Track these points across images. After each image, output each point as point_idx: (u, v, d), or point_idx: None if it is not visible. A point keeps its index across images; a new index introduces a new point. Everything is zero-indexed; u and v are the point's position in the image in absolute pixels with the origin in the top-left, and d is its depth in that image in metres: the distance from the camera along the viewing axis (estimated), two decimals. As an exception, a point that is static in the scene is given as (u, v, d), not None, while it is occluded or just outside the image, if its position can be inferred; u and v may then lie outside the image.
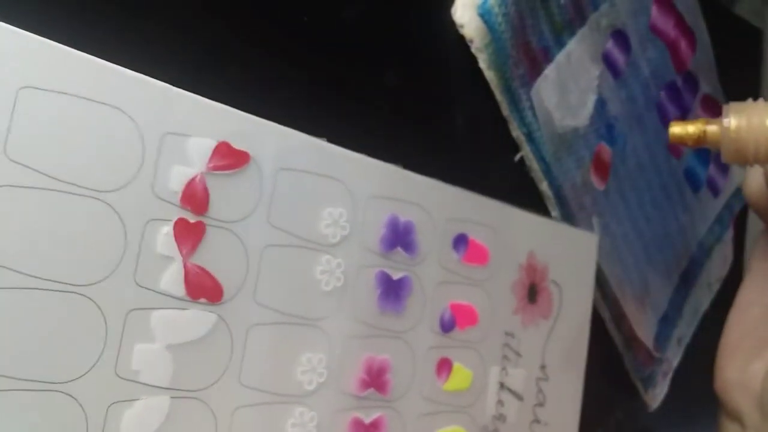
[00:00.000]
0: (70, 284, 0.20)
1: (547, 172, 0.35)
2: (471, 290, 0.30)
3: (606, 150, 0.38)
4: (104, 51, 0.21)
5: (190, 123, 0.22)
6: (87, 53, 0.20)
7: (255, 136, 0.24)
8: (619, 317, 0.39)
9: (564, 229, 0.35)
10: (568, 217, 0.36)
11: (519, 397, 0.32)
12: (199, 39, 0.24)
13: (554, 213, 0.35)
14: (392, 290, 0.28)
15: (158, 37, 0.23)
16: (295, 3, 0.27)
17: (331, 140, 0.26)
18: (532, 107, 0.34)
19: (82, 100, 0.20)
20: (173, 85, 0.22)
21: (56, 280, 0.20)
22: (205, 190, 0.23)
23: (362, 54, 0.29)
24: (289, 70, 0.27)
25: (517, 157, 0.34)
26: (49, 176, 0.20)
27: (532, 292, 0.33)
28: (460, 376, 0.30)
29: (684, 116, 0.44)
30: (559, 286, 0.34)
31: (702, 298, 0.47)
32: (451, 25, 0.31)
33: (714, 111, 0.46)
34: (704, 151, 0.46)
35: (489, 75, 0.32)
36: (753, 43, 0.54)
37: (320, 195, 0.26)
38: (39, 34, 0.20)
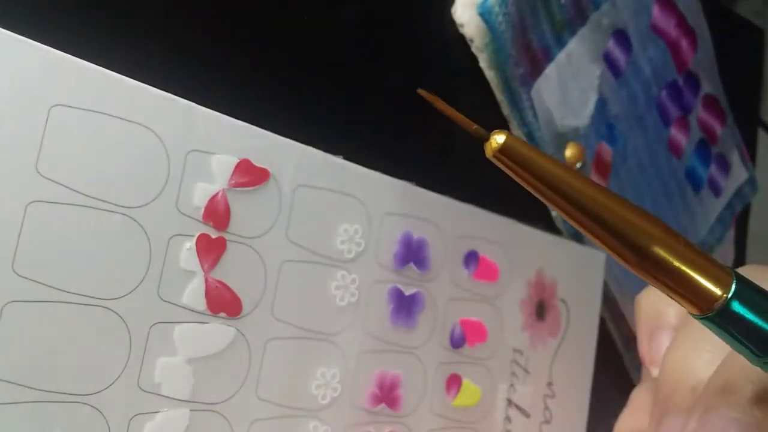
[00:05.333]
0: (96, 298, 0.20)
1: (548, 171, 0.35)
2: (481, 307, 0.31)
3: (607, 150, 0.38)
4: (130, 70, 0.21)
5: (212, 140, 0.23)
6: (115, 72, 0.21)
7: (274, 153, 0.24)
8: (619, 317, 0.39)
9: (572, 246, 0.35)
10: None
11: (526, 414, 0.33)
12: (218, 58, 0.25)
13: (554, 213, 0.36)
14: (404, 306, 0.28)
15: (181, 56, 0.24)
16: (294, 3, 0.27)
17: (327, 139, 0.26)
18: (532, 107, 0.34)
19: (111, 118, 0.21)
20: (195, 103, 0.22)
21: (83, 293, 0.20)
22: (227, 206, 0.23)
23: (362, 54, 0.30)
24: (288, 73, 0.27)
25: None
26: (79, 192, 0.20)
27: (541, 310, 0.33)
28: (469, 392, 0.30)
29: (685, 116, 0.44)
30: (566, 304, 0.34)
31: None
32: (452, 24, 0.31)
33: (715, 110, 0.47)
34: (705, 151, 0.46)
35: (489, 74, 0.32)
36: (754, 42, 0.54)
37: (337, 211, 0.26)
38: (70, 53, 0.20)
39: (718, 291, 0.16)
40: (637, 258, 0.16)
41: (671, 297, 0.17)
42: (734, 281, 0.16)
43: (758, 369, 0.18)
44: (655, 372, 0.25)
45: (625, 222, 0.17)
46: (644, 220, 0.17)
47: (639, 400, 0.27)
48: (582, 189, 0.17)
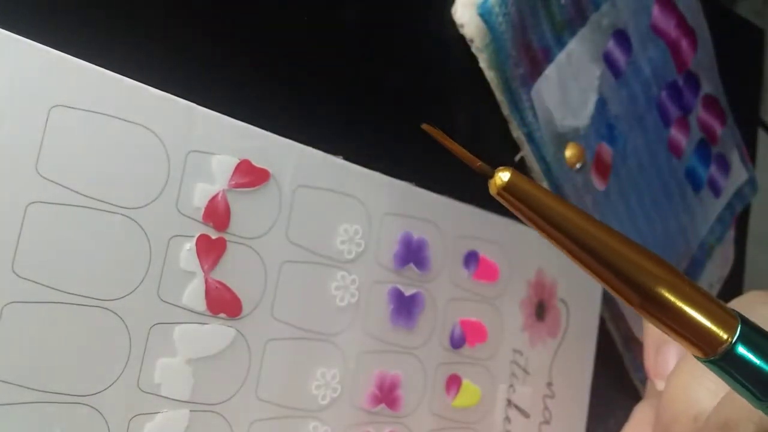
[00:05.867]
0: (96, 299, 0.20)
1: (548, 172, 0.35)
2: (481, 307, 0.31)
3: (607, 150, 0.38)
4: (130, 70, 0.21)
5: (212, 141, 0.23)
6: (114, 72, 0.21)
7: (274, 153, 0.24)
8: (619, 317, 0.39)
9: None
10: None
11: (525, 414, 0.33)
12: (217, 58, 0.25)
13: None
14: (404, 306, 0.28)
15: (181, 56, 0.24)
16: (294, 3, 0.27)
17: (327, 139, 0.26)
18: (532, 107, 0.34)
19: (111, 118, 0.21)
20: (195, 103, 0.22)
21: (83, 294, 0.20)
22: (227, 207, 0.23)
23: (362, 54, 0.30)
24: (288, 73, 0.27)
25: (518, 157, 0.34)
26: (79, 193, 0.20)
27: (540, 310, 0.33)
28: (469, 392, 0.30)
29: (685, 116, 0.44)
30: (566, 304, 0.34)
31: (703, 298, 0.47)
32: (452, 24, 0.31)
33: (715, 110, 0.47)
34: (705, 151, 0.46)
35: (489, 75, 0.32)
36: (754, 42, 0.54)
37: (337, 212, 0.26)
38: (70, 54, 0.20)
39: (723, 334, 0.16)
40: (641, 299, 0.16)
41: (674, 339, 0.17)
42: (739, 325, 0.16)
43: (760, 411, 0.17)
44: (659, 385, 0.24)
45: (630, 262, 0.16)
46: (649, 260, 0.16)
47: (642, 415, 0.27)
48: (586, 228, 0.16)
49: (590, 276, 0.17)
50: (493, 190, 0.17)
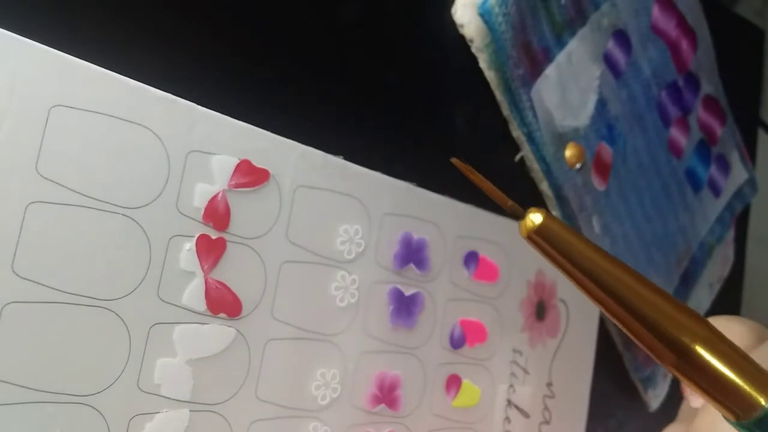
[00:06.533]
0: (96, 298, 0.20)
1: (548, 172, 0.35)
2: (481, 307, 0.31)
3: (606, 150, 0.38)
4: (131, 70, 0.21)
5: (213, 141, 0.23)
6: (115, 72, 0.21)
7: (275, 154, 0.24)
8: None
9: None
10: (569, 217, 0.36)
11: (525, 414, 0.33)
12: (218, 58, 0.25)
13: (554, 213, 0.36)
14: (404, 306, 0.28)
15: (181, 57, 0.24)
16: (294, 4, 0.27)
17: (327, 139, 0.26)
18: (532, 107, 0.34)
19: (111, 118, 0.21)
20: (196, 103, 0.22)
21: (83, 294, 0.20)
22: (227, 207, 0.23)
23: (362, 55, 0.30)
24: (289, 74, 0.27)
25: (518, 157, 0.34)
26: (79, 192, 0.20)
27: (540, 310, 0.33)
28: (469, 392, 0.30)
29: (685, 116, 0.44)
30: (566, 304, 0.34)
31: (703, 299, 0.47)
32: (452, 25, 0.31)
33: (715, 111, 0.47)
34: (705, 152, 0.46)
35: (489, 75, 0.32)
36: (754, 42, 0.54)
37: (337, 212, 0.26)
38: (70, 54, 0.20)
39: (761, 399, 0.15)
40: (677, 357, 0.15)
41: (706, 400, 0.16)
42: None
43: None
44: (694, 402, 0.24)
45: (667, 318, 0.15)
46: (687, 316, 0.15)
47: None
48: (622, 279, 0.15)
49: (623, 330, 0.16)
50: (523, 233, 0.16)
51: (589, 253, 0.16)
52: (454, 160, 0.18)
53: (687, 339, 0.15)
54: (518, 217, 0.16)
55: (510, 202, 0.17)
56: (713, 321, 0.22)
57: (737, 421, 0.16)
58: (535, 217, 0.16)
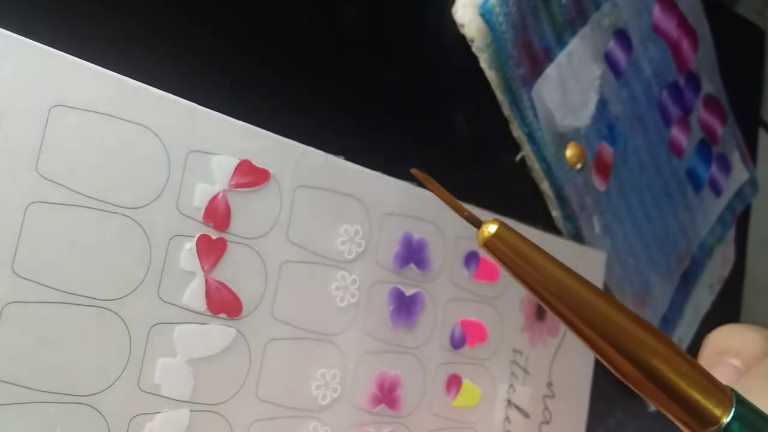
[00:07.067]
0: (96, 299, 0.20)
1: (548, 172, 0.35)
2: (481, 307, 0.31)
3: (607, 150, 0.38)
4: (131, 70, 0.21)
5: (213, 141, 0.23)
6: (115, 72, 0.21)
7: (275, 153, 0.24)
8: None
9: (572, 246, 0.35)
10: (569, 217, 0.36)
11: (526, 414, 0.33)
12: (218, 58, 0.25)
13: (555, 213, 0.36)
14: (404, 306, 0.28)
15: (182, 56, 0.24)
16: (294, 4, 0.27)
17: (327, 139, 0.26)
18: (533, 107, 0.34)
19: (112, 118, 0.21)
20: (196, 103, 0.22)
21: (83, 294, 0.20)
22: (227, 207, 0.23)
23: (362, 54, 0.30)
24: (289, 73, 0.27)
25: (518, 157, 0.34)
26: (79, 193, 0.20)
27: (541, 310, 0.33)
28: (469, 392, 0.30)
29: (686, 116, 0.44)
30: (566, 304, 0.34)
31: (703, 299, 0.47)
32: (452, 24, 0.31)
33: (716, 110, 0.47)
34: (706, 151, 0.46)
35: (490, 75, 0.32)
36: (755, 42, 0.54)
37: (337, 212, 0.26)
38: (70, 54, 0.20)
39: (717, 412, 0.16)
40: (636, 370, 0.16)
41: (666, 415, 0.16)
42: (734, 404, 0.16)
43: None
44: None
45: (624, 332, 0.16)
46: (646, 331, 0.16)
47: None
48: (574, 288, 0.16)
49: (582, 343, 0.16)
50: (479, 242, 0.16)
51: (542, 261, 0.16)
52: (414, 171, 0.19)
53: (645, 353, 0.16)
54: (476, 226, 0.17)
55: (466, 212, 0.17)
56: (728, 331, 0.22)
57: None
58: (491, 228, 0.16)
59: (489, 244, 0.16)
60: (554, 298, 0.16)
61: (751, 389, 0.19)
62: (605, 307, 0.16)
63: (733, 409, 0.16)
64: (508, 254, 0.16)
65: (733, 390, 0.16)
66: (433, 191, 0.18)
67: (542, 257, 0.16)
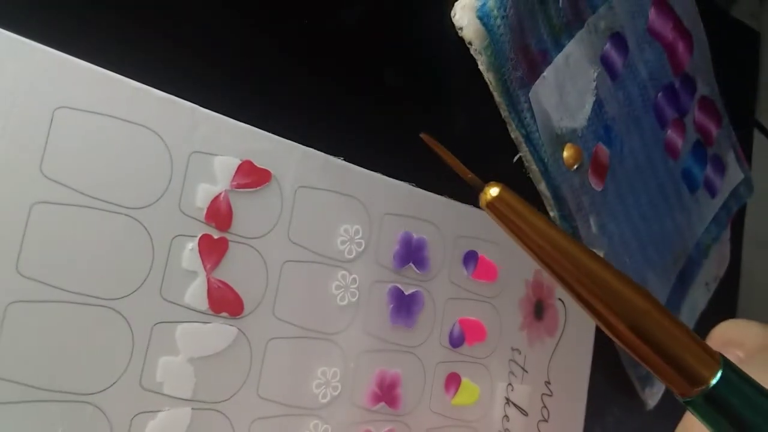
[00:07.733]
0: (99, 298, 0.21)
1: (546, 172, 0.35)
2: (480, 306, 0.31)
3: (604, 151, 0.39)
4: (134, 72, 0.21)
5: (215, 142, 0.23)
6: (118, 74, 0.21)
7: (276, 154, 0.25)
8: None
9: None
10: (566, 217, 0.36)
11: (524, 412, 0.33)
12: (220, 60, 0.25)
13: (552, 214, 0.36)
14: (404, 305, 0.28)
15: (184, 58, 0.24)
16: (295, 5, 0.27)
17: (327, 140, 0.26)
18: (530, 109, 0.34)
19: (115, 119, 0.21)
20: (198, 105, 0.23)
21: (86, 293, 0.20)
22: (229, 207, 0.23)
23: (362, 56, 0.30)
24: (290, 75, 0.27)
25: (516, 158, 0.35)
26: (82, 193, 0.20)
27: (539, 309, 0.34)
28: (468, 391, 0.31)
29: (681, 117, 0.44)
30: (564, 304, 0.35)
31: (699, 298, 0.48)
32: (451, 27, 0.32)
33: (711, 112, 0.47)
34: (701, 152, 0.46)
35: (488, 77, 0.32)
36: (750, 45, 0.55)
37: (337, 212, 0.26)
38: (74, 56, 0.20)
39: (706, 373, 0.16)
40: (626, 328, 0.16)
41: (655, 375, 0.17)
42: (722, 367, 0.16)
43: None
44: None
45: (613, 292, 0.16)
46: (635, 292, 0.16)
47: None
48: (569, 249, 0.16)
49: (573, 300, 0.17)
50: (482, 203, 0.17)
51: (541, 224, 0.17)
52: (423, 135, 0.20)
53: (637, 314, 0.16)
54: (478, 189, 0.18)
55: (470, 174, 0.18)
56: (732, 324, 0.23)
57: (684, 398, 0.16)
58: (493, 191, 0.17)
59: (491, 206, 0.17)
60: (551, 259, 0.17)
61: (751, 375, 0.19)
62: (600, 269, 0.16)
63: (720, 371, 0.16)
64: (508, 216, 0.17)
65: (721, 354, 0.17)
66: (439, 154, 0.19)
67: (541, 220, 0.17)
